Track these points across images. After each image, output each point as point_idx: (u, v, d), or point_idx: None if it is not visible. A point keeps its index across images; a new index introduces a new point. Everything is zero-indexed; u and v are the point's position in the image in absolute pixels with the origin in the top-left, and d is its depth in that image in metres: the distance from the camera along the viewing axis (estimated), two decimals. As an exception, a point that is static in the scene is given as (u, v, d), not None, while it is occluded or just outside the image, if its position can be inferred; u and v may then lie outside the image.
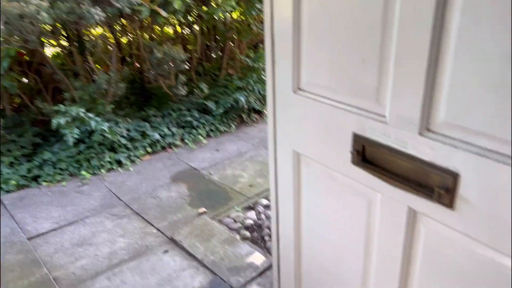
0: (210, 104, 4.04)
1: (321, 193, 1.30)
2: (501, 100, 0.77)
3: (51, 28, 3.31)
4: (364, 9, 0.97)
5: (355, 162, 1.10)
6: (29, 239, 2.60)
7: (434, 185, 0.93)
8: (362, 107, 1.06)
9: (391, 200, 1.06)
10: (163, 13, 3.46)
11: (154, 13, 3.50)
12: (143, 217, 2.83)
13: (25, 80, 3.90)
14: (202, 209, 2.86)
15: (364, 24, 0.98)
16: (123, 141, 3.53)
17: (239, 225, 2.67)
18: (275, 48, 1.26)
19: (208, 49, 5.05)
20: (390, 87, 0.96)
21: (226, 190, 3.12)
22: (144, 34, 4.11)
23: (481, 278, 0.91)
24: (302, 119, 1.25)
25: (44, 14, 2.98)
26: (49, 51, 4.17)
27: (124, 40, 4.22)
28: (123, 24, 4.01)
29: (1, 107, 3.57)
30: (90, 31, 3.47)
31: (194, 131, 3.94)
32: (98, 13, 3.15)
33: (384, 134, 1.01)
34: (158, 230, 2.68)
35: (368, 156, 1.08)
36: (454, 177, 0.88)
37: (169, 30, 5.33)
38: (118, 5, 3.23)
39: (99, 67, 3.92)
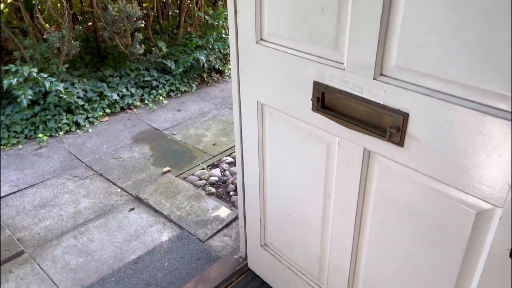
0: (169, 64, 3.98)
1: (283, 140, 1.37)
2: (446, 43, 0.85)
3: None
4: (323, -42, 1.00)
5: (315, 109, 1.17)
6: (-12, 202, 2.55)
7: (387, 125, 1.01)
8: (322, 56, 1.12)
9: (348, 143, 1.14)
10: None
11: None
12: (106, 178, 2.82)
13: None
14: (166, 168, 2.89)
15: (323, -27, 1.02)
16: (80, 102, 3.43)
17: (204, 181, 2.73)
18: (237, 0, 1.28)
19: (165, 6, 4.89)
20: (348, 35, 1.02)
21: (190, 149, 3.15)
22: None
23: (427, 208, 1.03)
24: (265, 70, 1.30)
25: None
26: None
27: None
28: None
29: None
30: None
31: (154, 91, 3.89)
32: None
33: (342, 80, 1.08)
34: (123, 189, 2.70)
35: (327, 102, 1.15)
36: (404, 116, 0.97)
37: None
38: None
39: (48, 26, 3.72)
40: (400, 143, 1.00)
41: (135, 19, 3.68)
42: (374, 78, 1.00)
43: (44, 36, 3.37)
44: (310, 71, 1.15)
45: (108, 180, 2.80)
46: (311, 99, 1.17)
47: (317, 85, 1.15)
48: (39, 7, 3.45)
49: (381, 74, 1.00)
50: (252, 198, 1.63)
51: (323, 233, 1.39)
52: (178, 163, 2.97)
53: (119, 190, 2.69)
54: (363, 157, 1.12)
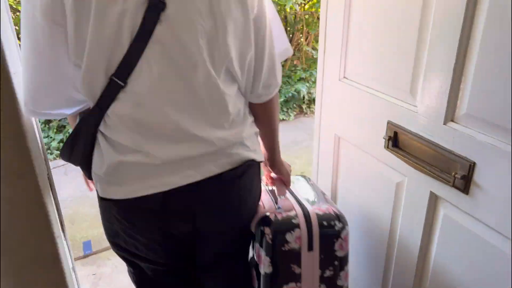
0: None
1: (356, 173, 1.43)
2: (516, 96, 0.86)
3: None
4: (403, 10, 1.08)
5: (387, 147, 1.22)
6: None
7: (453, 171, 1.02)
8: (397, 97, 1.17)
9: (416, 184, 1.16)
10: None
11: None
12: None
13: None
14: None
15: (403, 23, 1.09)
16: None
17: (286, 206, 2.83)
18: (326, 41, 1.40)
19: (277, 39, 5.22)
20: (422, 80, 1.07)
21: (278, 173, 3.29)
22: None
23: (489, 261, 1.00)
24: (345, 106, 1.38)
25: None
26: None
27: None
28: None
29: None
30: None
31: (254, 116, 4.15)
32: None
33: (414, 122, 1.12)
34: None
35: (399, 142, 1.19)
36: (471, 164, 0.97)
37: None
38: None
39: None
40: (465, 190, 1.00)
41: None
42: (444, 124, 1.03)
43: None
44: (385, 111, 1.21)
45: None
46: (384, 138, 1.22)
47: (390, 125, 1.20)
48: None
49: (452, 121, 1.02)
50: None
51: (386, 267, 1.39)
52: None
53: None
54: (429, 199, 1.13)
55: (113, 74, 0.85)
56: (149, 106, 0.88)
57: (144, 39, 0.83)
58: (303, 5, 4.58)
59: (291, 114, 4.30)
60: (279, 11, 4.32)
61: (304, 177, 1.42)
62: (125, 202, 0.92)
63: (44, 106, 0.94)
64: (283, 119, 4.28)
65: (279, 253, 1.11)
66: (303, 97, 4.32)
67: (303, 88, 4.24)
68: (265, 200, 1.20)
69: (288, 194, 1.25)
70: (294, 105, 4.38)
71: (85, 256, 2.41)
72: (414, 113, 1.11)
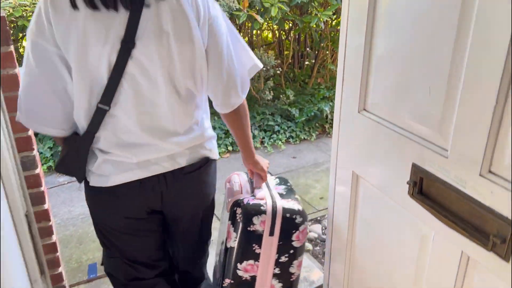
0: (294, 111, 4.08)
1: (376, 217, 1.26)
2: None
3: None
4: (434, 37, 0.92)
5: (411, 194, 1.05)
6: (113, 215, 2.89)
7: (490, 232, 0.85)
8: (424, 137, 1.01)
9: (445, 240, 0.99)
10: (259, 19, 3.58)
11: (251, 19, 3.64)
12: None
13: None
14: (269, 213, 2.90)
15: (433, 53, 0.94)
16: (207, 137, 3.73)
17: (303, 235, 2.66)
18: (346, 66, 1.25)
19: (302, 56, 5.10)
20: (454, 121, 0.91)
21: (297, 199, 3.13)
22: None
23: None
24: (364, 141, 1.23)
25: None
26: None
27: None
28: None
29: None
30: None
31: (274, 135, 4.01)
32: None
33: (443, 169, 0.95)
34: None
35: (425, 189, 1.02)
36: (513, 227, 0.80)
37: (269, 34, 5.49)
38: (218, 9, 3.42)
39: None
40: (506, 257, 0.83)
41: (268, 67, 3.90)
42: (480, 175, 0.86)
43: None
44: (410, 151, 1.05)
45: (214, 214, 2.93)
46: (408, 183, 1.05)
47: (415, 169, 1.03)
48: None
49: (490, 172, 0.85)
50: (338, 267, 1.52)
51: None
52: (282, 211, 2.96)
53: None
54: (460, 261, 0.96)
55: (99, 102, 1.08)
56: (126, 128, 1.15)
57: (119, 72, 1.05)
58: (329, 22, 4.44)
59: (313, 134, 4.14)
60: (303, 28, 4.20)
61: (284, 179, 1.64)
62: (117, 187, 1.20)
63: (34, 120, 1.16)
64: (304, 139, 4.12)
65: (245, 231, 1.33)
66: (326, 116, 4.15)
67: (326, 108, 4.08)
68: (244, 188, 1.48)
69: (264, 186, 1.48)
70: (317, 124, 4.22)
71: (89, 281, 2.31)
72: (444, 158, 0.95)
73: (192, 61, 1.12)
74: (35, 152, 1.73)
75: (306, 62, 5.07)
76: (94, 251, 2.51)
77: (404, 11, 1.00)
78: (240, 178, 1.57)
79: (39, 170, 1.76)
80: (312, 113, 4.09)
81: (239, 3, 3.50)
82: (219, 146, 3.79)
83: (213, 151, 1.34)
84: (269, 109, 4.14)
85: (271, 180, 1.57)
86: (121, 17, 1.02)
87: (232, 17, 3.67)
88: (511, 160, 0.80)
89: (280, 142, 3.96)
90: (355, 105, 1.24)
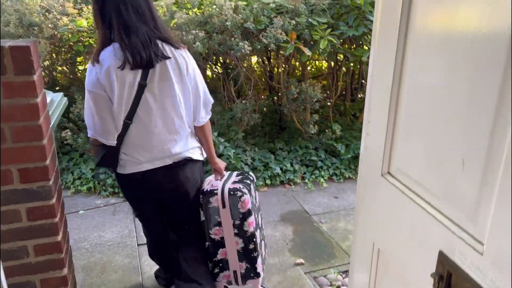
0: (340, 147, 3.86)
1: (398, 304, 1.04)
2: None
3: (205, 55, 3.63)
4: (472, 98, 0.73)
5: (436, 289, 0.84)
6: (139, 245, 2.83)
7: None
8: (454, 221, 0.80)
9: None
10: (307, 52, 3.45)
11: (299, 51, 3.53)
12: (242, 251, 2.80)
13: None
14: (300, 260, 2.69)
15: (470, 117, 0.74)
16: (246, 169, 3.61)
17: (334, 289, 2.42)
18: (371, 119, 1.08)
19: (355, 89, 4.88)
20: (493, 209, 0.70)
21: (333, 245, 2.89)
22: (283, 68, 4.18)
23: None
24: (386, 210, 1.03)
25: (198, 43, 3.27)
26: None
27: (275, 71, 4.38)
28: (270, 57, 4.16)
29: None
30: (239, 62, 3.68)
31: (316, 171, 3.80)
32: (245, 46, 3.32)
33: (477, 268, 0.74)
34: (251, 269, 2.62)
35: (454, 287, 0.81)
36: None
37: (321, 65, 5.35)
38: (265, 40, 3.35)
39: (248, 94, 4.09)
40: None
41: (314, 100, 3.74)
42: (524, 287, 0.64)
43: (231, 106, 3.74)
44: (436, 236, 0.84)
45: (243, 254, 2.77)
46: (432, 276, 0.84)
47: (442, 259, 0.82)
48: (234, 78, 3.87)
49: (538, 286, 0.63)
50: None
51: None
52: (315, 257, 2.74)
53: (248, 269, 2.62)
54: None
55: (125, 118, 1.75)
56: (140, 137, 1.80)
57: (137, 101, 1.73)
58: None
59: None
60: (354, 62, 4.01)
61: (246, 172, 2.21)
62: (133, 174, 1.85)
63: (100, 134, 1.80)
64: (349, 178, 3.86)
65: (206, 208, 1.95)
66: (375, 155, 3.87)
67: (375, 146, 3.81)
68: (211, 181, 2.03)
69: (223, 179, 2.05)
70: (364, 163, 3.95)
71: (103, 315, 2.24)
72: (479, 255, 0.73)
73: (185, 95, 1.80)
74: (52, 182, 1.70)
75: (360, 95, 4.83)
76: (115, 282, 2.45)
77: (437, 66, 0.82)
78: (211, 178, 2.09)
79: (55, 200, 1.73)
80: (360, 151, 3.84)
81: (286, 35, 3.40)
82: (257, 178, 3.66)
83: (195, 154, 1.93)
84: (313, 144, 3.95)
85: (234, 175, 2.14)
86: (141, 70, 1.70)
87: (279, 49, 3.59)
88: None
89: (322, 180, 3.74)
90: (378, 167, 1.05)
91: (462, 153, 0.76)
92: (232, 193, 1.92)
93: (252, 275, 2.06)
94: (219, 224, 1.96)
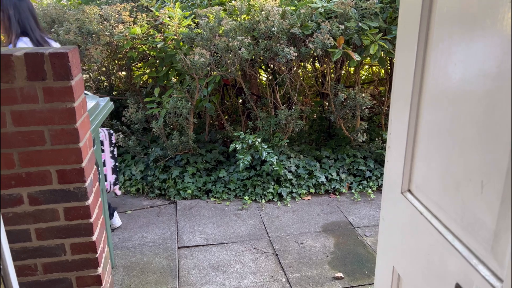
0: (390, 157, 3.66)
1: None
2: None
3: (251, 61, 3.63)
4: (492, 116, 0.63)
5: (450, 326, 0.74)
6: (179, 248, 2.88)
7: None
8: (472, 250, 0.70)
9: None
10: (356, 57, 3.33)
11: (347, 56, 3.41)
12: (279, 260, 2.75)
13: (234, 103, 4.40)
14: (339, 274, 2.58)
15: (490, 136, 0.64)
16: (289, 176, 3.55)
17: (372, 308, 2.28)
18: (392, 131, 0.98)
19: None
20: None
21: (375, 260, 2.73)
22: (332, 74, 4.06)
23: None
24: (406, 232, 0.93)
25: (243, 49, 3.28)
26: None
27: (328, 77, 4.28)
28: (321, 63, 4.07)
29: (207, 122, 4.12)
30: (285, 68, 3.63)
31: (364, 182, 3.64)
32: (291, 52, 3.27)
33: (494, 307, 0.63)
34: (288, 280, 2.55)
35: (471, 326, 0.70)
36: None
37: (377, 70, 5.15)
38: (312, 46, 3.27)
39: (300, 99, 4.03)
40: None
41: (364, 107, 3.59)
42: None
43: (276, 112, 3.70)
44: (453, 266, 0.74)
45: (280, 263, 2.72)
46: (446, 309, 0.74)
47: (459, 292, 0.72)
48: (280, 84, 3.83)
49: None
50: None
51: None
52: (355, 272, 2.61)
53: (284, 279, 2.57)
54: None
55: None
56: None
57: None
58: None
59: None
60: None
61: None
62: None
63: None
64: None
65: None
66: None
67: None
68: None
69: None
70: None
71: (138, 315, 2.29)
72: (496, 292, 0.63)
73: None
74: (88, 184, 1.77)
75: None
76: (152, 284, 2.50)
77: (456, 78, 0.72)
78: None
79: (91, 201, 1.80)
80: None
81: (334, 40, 3.30)
82: (301, 186, 3.58)
83: None
84: (361, 152, 3.79)
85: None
86: None
87: (327, 54, 3.49)
88: None
89: (370, 191, 3.57)
90: (398, 183, 0.95)
91: (481, 174, 0.66)
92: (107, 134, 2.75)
93: (117, 182, 2.91)
94: (102, 151, 2.68)
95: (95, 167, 1.91)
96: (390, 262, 1.02)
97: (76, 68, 1.68)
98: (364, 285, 2.49)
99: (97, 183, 1.94)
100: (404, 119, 0.90)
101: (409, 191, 0.92)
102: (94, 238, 1.83)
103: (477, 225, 0.68)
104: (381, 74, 5.11)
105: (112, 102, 2.51)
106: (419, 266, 0.87)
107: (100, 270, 1.89)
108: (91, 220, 1.80)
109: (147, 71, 4.27)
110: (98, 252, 1.87)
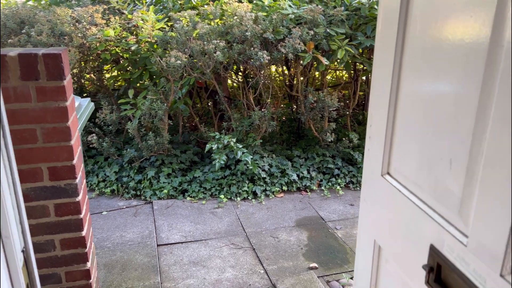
0: (357, 156, 3.89)
1: (396, 299, 1.10)
2: None
3: (225, 64, 3.75)
4: (457, 104, 0.79)
5: (426, 281, 0.89)
6: (159, 245, 2.94)
7: None
8: (444, 217, 0.86)
9: None
10: (324, 61, 3.53)
11: (316, 60, 3.60)
12: (257, 254, 2.88)
13: (205, 105, 4.49)
14: (314, 264, 2.74)
15: (456, 120, 0.80)
16: (263, 175, 3.69)
17: (346, 293, 2.46)
18: (372, 123, 1.14)
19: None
20: (475, 203, 0.76)
21: (346, 250, 2.92)
22: (301, 77, 4.26)
23: None
24: (385, 208, 1.09)
25: (219, 53, 3.40)
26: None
27: (295, 81, 4.46)
28: (290, 67, 4.25)
29: (179, 125, 4.18)
30: (258, 71, 3.78)
31: (333, 179, 3.85)
32: (264, 56, 3.42)
33: (462, 259, 0.79)
34: (266, 272, 2.68)
35: (444, 278, 0.86)
36: None
37: (341, 75, 5.40)
38: (283, 50, 3.44)
39: (269, 101, 4.19)
40: None
41: (331, 109, 3.80)
42: (501, 275, 0.70)
43: (250, 113, 3.84)
44: (428, 231, 0.90)
45: (258, 257, 2.85)
46: (423, 267, 0.90)
47: (433, 252, 0.88)
48: (253, 86, 3.97)
49: (512, 274, 0.69)
50: None
51: None
52: (328, 262, 2.78)
53: (262, 271, 2.69)
54: None
55: None
56: None
57: None
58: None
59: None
60: (371, 72, 4.05)
61: None
62: None
63: None
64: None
65: None
66: (392, 164, 3.89)
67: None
68: None
69: None
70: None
71: (122, 310, 2.34)
72: (463, 246, 0.79)
73: None
74: (78, 180, 1.82)
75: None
76: (134, 280, 2.55)
77: (427, 75, 0.89)
78: None
79: (81, 197, 1.86)
80: (376, 160, 3.86)
81: (305, 45, 3.49)
82: (274, 184, 3.73)
83: None
84: (330, 152, 4.00)
85: None
86: None
87: (298, 58, 3.67)
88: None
89: (338, 187, 3.78)
90: (379, 168, 1.11)
91: (450, 153, 0.83)
92: None
93: None
94: None
95: (82, 164, 1.96)
96: (371, 236, 1.18)
97: (67, 69, 1.74)
98: (337, 273, 2.67)
99: (84, 180, 2.00)
100: (383, 113, 1.06)
101: (388, 173, 1.08)
102: (83, 233, 1.88)
103: (447, 195, 0.84)
104: (345, 78, 5.37)
105: (93, 103, 2.55)
106: (399, 235, 1.03)
107: (89, 264, 1.94)
108: (81, 216, 1.86)
109: (117, 73, 4.29)
110: (87, 247, 1.93)
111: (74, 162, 1.77)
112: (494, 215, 0.71)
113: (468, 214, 0.78)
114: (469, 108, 0.76)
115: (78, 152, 1.87)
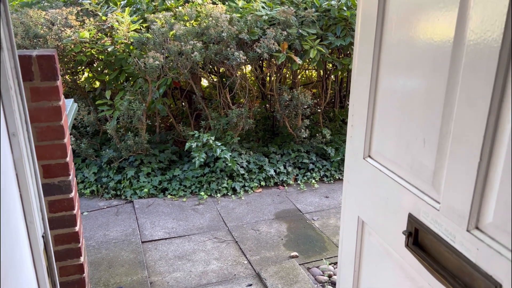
0: (330, 150, 4.08)
1: (378, 265, 1.25)
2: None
3: (201, 64, 3.84)
4: (429, 95, 0.95)
5: (406, 244, 1.05)
6: (143, 242, 3.01)
7: (477, 290, 0.83)
8: (420, 188, 1.02)
9: (438, 295, 0.97)
10: (298, 61, 3.69)
11: (290, 60, 3.76)
12: (239, 246, 2.99)
13: (179, 105, 4.55)
14: (294, 253, 2.89)
15: (428, 106, 0.96)
16: (241, 171, 3.81)
17: (326, 278, 2.61)
18: (354, 113, 1.29)
19: (344, 96, 5.13)
20: (445, 175, 0.91)
21: (324, 239, 3.09)
22: (275, 76, 4.42)
23: None
24: (368, 187, 1.24)
25: (196, 53, 3.49)
26: (205, 82, 4.81)
27: (268, 79, 4.61)
28: (263, 66, 4.39)
29: (155, 124, 4.23)
30: (234, 71, 3.89)
31: (308, 173, 4.02)
32: (240, 56, 3.54)
33: (435, 222, 0.95)
34: (249, 262, 2.81)
35: (421, 240, 1.02)
36: (496, 286, 0.78)
37: (311, 74, 5.60)
38: (259, 50, 3.58)
39: (243, 101, 4.31)
40: (490, 318, 0.81)
41: (305, 106, 3.97)
42: (467, 230, 0.86)
43: (227, 112, 3.95)
44: (406, 202, 1.05)
45: (241, 249, 2.97)
46: (403, 233, 1.05)
47: (411, 219, 1.03)
48: (230, 86, 4.09)
49: (476, 228, 0.85)
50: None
51: None
52: (308, 251, 2.94)
53: (246, 262, 2.81)
54: (451, 317, 0.93)
55: None
56: None
57: None
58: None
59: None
60: (342, 70, 4.26)
61: None
62: None
63: None
64: (339, 179, 4.08)
65: None
66: (363, 157, 4.10)
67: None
68: None
69: None
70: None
71: (113, 304, 2.40)
72: (436, 211, 0.95)
73: None
74: (71, 177, 1.88)
75: (348, 102, 5.08)
76: (122, 276, 2.61)
77: (402, 69, 1.04)
78: None
79: (74, 194, 1.92)
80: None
81: (279, 45, 3.64)
82: (252, 180, 3.86)
83: None
84: (304, 147, 4.17)
85: None
86: None
87: (272, 58, 3.82)
88: (494, 217, 0.79)
89: (313, 181, 3.96)
90: (361, 151, 1.26)
91: (423, 134, 0.98)
92: None
93: None
94: None
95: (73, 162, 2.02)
96: (355, 213, 1.33)
97: (59, 69, 1.80)
98: (316, 260, 2.83)
99: (75, 177, 2.05)
100: (364, 103, 1.21)
101: (370, 156, 1.24)
102: (77, 228, 1.94)
103: (422, 169, 1.00)
104: (314, 77, 5.58)
105: (76, 104, 2.59)
106: (380, 210, 1.18)
107: (82, 259, 2.00)
108: (74, 212, 1.92)
109: (92, 75, 4.29)
110: (80, 242, 1.99)
111: (67, 159, 1.83)
112: (461, 182, 0.86)
113: (440, 183, 0.94)
114: (438, 96, 0.92)
115: (70, 149, 1.93)
